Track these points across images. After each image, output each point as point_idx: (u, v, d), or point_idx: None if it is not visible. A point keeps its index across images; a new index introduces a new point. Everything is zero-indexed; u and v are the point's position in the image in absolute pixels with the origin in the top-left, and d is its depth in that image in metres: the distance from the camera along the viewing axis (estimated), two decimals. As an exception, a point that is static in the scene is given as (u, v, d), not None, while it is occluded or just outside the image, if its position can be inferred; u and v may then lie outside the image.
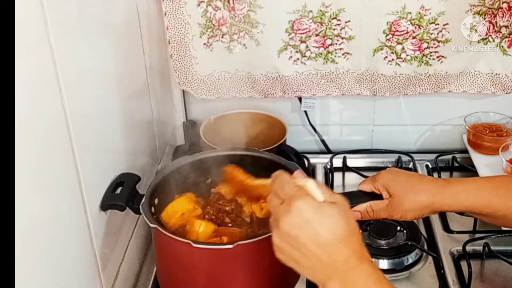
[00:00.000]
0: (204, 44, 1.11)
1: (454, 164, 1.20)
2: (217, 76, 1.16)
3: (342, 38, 1.10)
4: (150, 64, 1.06)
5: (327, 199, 0.60)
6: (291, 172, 0.87)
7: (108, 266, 0.83)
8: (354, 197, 0.76)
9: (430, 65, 1.12)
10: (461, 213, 1.03)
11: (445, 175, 1.18)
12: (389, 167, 1.22)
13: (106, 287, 0.81)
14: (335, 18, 1.08)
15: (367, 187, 0.77)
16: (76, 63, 0.72)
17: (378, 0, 1.06)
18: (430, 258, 0.96)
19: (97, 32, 0.80)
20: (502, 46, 1.10)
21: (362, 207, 0.75)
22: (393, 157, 1.23)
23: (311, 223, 0.57)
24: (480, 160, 1.12)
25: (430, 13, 1.07)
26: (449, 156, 1.22)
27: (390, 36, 1.09)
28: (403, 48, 1.11)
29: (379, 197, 0.75)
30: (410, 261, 0.95)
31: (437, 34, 1.09)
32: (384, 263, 0.94)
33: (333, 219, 0.58)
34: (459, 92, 1.16)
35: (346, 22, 1.08)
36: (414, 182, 0.74)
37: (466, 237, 0.99)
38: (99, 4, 0.81)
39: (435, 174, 1.17)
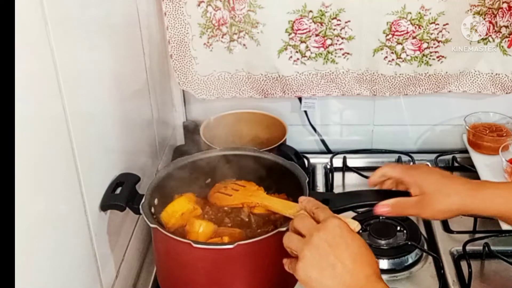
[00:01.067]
0: (204, 44, 1.11)
1: (454, 164, 1.20)
2: (217, 76, 1.16)
3: (342, 38, 1.10)
4: (150, 64, 1.06)
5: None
6: (292, 173, 0.88)
7: (108, 266, 0.83)
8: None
9: (430, 65, 1.12)
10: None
11: (445, 175, 1.18)
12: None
13: (106, 287, 0.81)
14: (335, 18, 1.08)
15: (388, 182, 0.79)
16: (76, 63, 0.72)
17: (378, 0, 1.06)
18: (430, 258, 0.96)
19: (97, 32, 0.80)
20: (502, 46, 1.10)
21: (391, 201, 0.76)
22: (393, 157, 1.23)
23: (344, 236, 0.62)
24: (480, 160, 1.12)
25: (430, 13, 1.07)
26: (449, 156, 1.22)
27: (390, 36, 1.09)
28: (403, 48, 1.11)
29: (402, 193, 0.76)
30: (410, 261, 0.95)
31: (437, 34, 1.09)
32: (384, 263, 0.94)
33: (362, 240, 0.64)
34: (459, 92, 1.16)
35: (346, 22, 1.08)
36: (448, 183, 0.74)
37: (466, 237, 0.99)
38: (99, 4, 0.81)
39: (435, 174, 1.17)
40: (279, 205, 0.81)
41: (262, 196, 0.86)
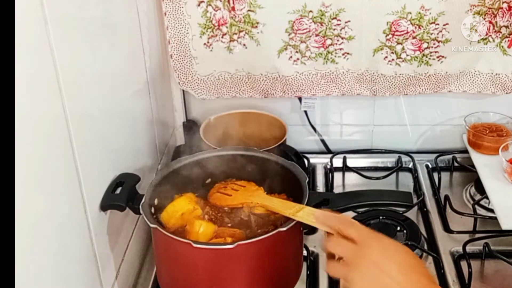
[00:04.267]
0: (204, 44, 1.11)
1: (454, 164, 1.20)
2: (217, 76, 1.16)
3: (342, 38, 1.10)
4: (150, 64, 1.06)
5: None
6: (292, 173, 0.88)
7: (108, 266, 0.83)
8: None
9: (430, 65, 1.12)
10: (461, 213, 1.03)
11: (445, 175, 1.18)
12: (388, 167, 1.22)
13: (106, 287, 0.81)
14: (335, 18, 1.08)
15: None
16: (76, 63, 0.72)
17: (378, 0, 1.06)
18: (430, 258, 0.96)
19: (97, 32, 0.80)
20: (502, 46, 1.10)
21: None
22: (393, 157, 1.23)
23: (393, 255, 0.61)
24: (480, 160, 1.12)
25: (430, 13, 1.07)
26: (449, 156, 1.22)
27: (390, 36, 1.09)
28: (403, 48, 1.11)
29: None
30: (410, 261, 0.95)
31: (437, 34, 1.09)
32: (384, 263, 0.94)
33: (404, 247, 0.63)
34: (459, 92, 1.16)
35: (346, 22, 1.08)
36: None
37: (466, 237, 0.99)
38: (99, 4, 0.81)
39: (435, 174, 1.17)
40: (279, 205, 0.81)
41: (262, 196, 0.86)
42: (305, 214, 0.75)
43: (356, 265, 0.60)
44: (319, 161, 1.24)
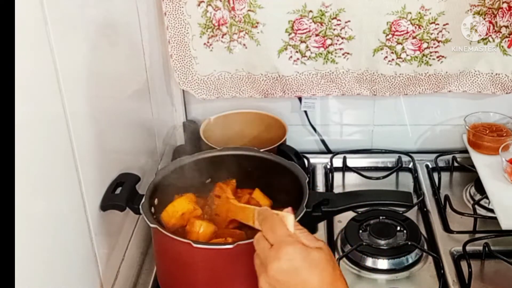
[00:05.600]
0: (204, 44, 1.11)
1: (454, 164, 1.20)
2: (217, 76, 1.16)
3: (342, 38, 1.10)
4: (150, 64, 1.06)
5: (313, 245, 0.60)
6: (292, 173, 0.88)
7: (108, 266, 0.83)
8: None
9: (430, 65, 1.12)
10: (461, 213, 1.03)
11: (445, 175, 1.18)
12: (388, 167, 1.22)
13: (106, 287, 0.81)
14: (335, 18, 1.08)
15: None
16: (76, 63, 0.72)
17: (378, 0, 1.06)
18: (430, 258, 0.96)
19: (97, 32, 0.80)
20: (502, 46, 1.10)
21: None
22: (393, 157, 1.23)
23: (300, 270, 0.58)
24: (480, 160, 1.12)
25: (430, 13, 1.07)
26: (449, 156, 1.21)
27: (390, 36, 1.09)
28: (403, 48, 1.11)
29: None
30: (410, 261, 0.95)
31: (437, 34, 1.09)
32: (384, 263, 0.94)
33: (321, 266, 0.58)
34: (459, 92, 1.16)
35: (346, 22, 1.08)
36: None
37: (466, 237, 0.99)
38: (99, 4, 0.81)
39: (435, 174, 1.17)
40: (243, 214, 0.78)
41: (233, 209, 0.82)
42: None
43: (264, 269, 0.60)
44: (319, 161, 1.24)
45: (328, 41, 1.11)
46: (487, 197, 1.02)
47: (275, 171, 0.90)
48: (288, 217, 0.64)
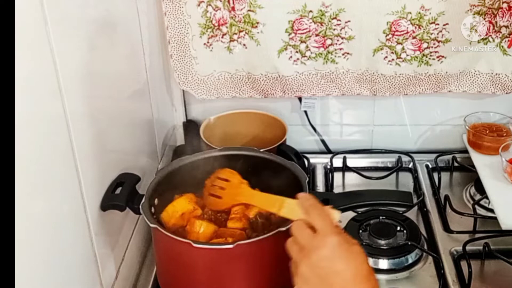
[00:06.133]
0: (204, 44, 1.11)
1: (454, 164, 1.20)
2: (217, 76, 1.16)
3: (342, 38, 1.10)
4: (150, 64, 1.06)
5: (352, 241, 0.62)
6: (292, 173, 0.88)
7: (108, 266, 0.83)
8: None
9: (430, 65, 1.12)
10: (461, 213, 1.04)
11: (445, 175, 1.18)
12: (388, 167, 1.22)
13: (106, 287, 0.81)
14: (335, 18, 1.08)
15: None
16: (76, 63, 0.72)
17: (378, 0, 1.06)
18: (430, 258, 0.96)
19: (97, 32, 0.80)
20: (502, 46, 1.10)
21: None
22: (393, 157, 1.23)
23: (341, 260, 0.60)
24: (480, 160, 1.12)
25: (430, 13, 1.07)
26: (449, 156, 1.21)
27: (390, 36, 1.09)
28: (403, 48, 1.11)
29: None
30: (410, 261, 0.95)
31: (437, 34, 1.09)
32: (384, 263, 0.94)
33: (360, 259, 0.61)
34: (459, 92, 1.16)
35: (346, 22, 1.08)
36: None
37: (466, 237, 0.99)
38: (99, 4, 0.81)
39: (435, 174, 1.17)
40: (263, 201, 0.79)
41: (247, 193, 0.83)
42: (289, 206, 0.72)
43: (307, 254, 0.61)
44: (319, 161, 1.24)
45: (328, 41, 1.11)
46: (487, 197, 1.02)
47: (275, 171, 0.90)
48: (334, 212, 0.66)
